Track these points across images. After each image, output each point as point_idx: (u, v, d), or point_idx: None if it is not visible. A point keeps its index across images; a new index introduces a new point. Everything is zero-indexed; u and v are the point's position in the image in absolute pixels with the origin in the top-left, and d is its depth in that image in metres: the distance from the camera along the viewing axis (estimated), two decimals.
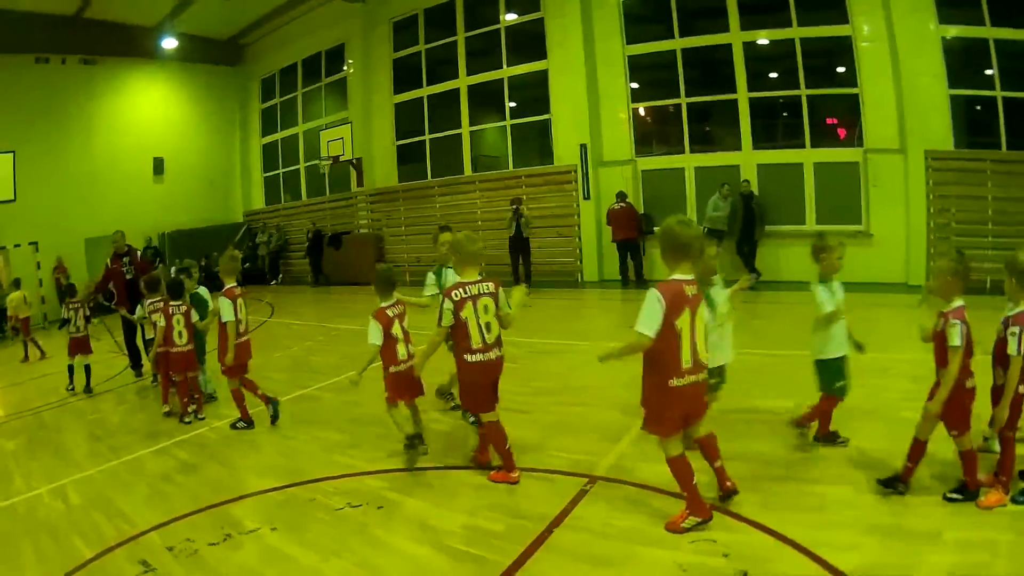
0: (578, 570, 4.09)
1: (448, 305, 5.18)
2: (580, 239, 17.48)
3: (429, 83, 21.01)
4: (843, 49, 14.44)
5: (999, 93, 13.19)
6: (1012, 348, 4.28)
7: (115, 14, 21.88)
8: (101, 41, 22.54)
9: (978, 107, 13.72)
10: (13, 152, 19.66)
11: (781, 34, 14.97)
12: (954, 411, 4.30)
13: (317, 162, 22.98)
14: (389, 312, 5.94)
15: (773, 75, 15.73)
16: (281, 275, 24.75)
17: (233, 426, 7.63)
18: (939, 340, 4.44)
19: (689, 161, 16.25)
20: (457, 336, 5.26)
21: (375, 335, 5.84)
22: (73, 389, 10.43)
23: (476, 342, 5.20)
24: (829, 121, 15.11)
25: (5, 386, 12.37)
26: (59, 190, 21.42)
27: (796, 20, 14.73)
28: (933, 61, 13.44)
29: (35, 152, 20.62)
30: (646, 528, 4.48)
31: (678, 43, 16.15)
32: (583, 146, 17.05)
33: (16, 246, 20.22)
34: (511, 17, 19.11)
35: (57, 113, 21.82)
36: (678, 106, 16.43)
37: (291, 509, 5.48)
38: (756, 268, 14.52)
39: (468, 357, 5.23)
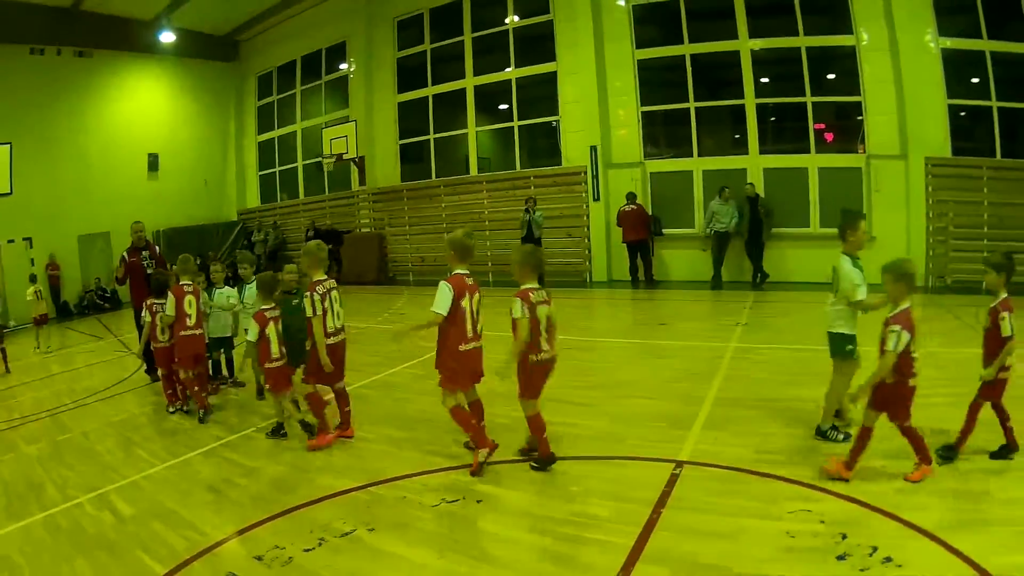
0: (699, 544, 4.49)
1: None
2: (589, 240, 18.34)
3: (434, 83, 21.82)
4: (847, 58, 15.53)
5: (995, 103, 14.48)
6: (890, 344, 5.11)
7: (112, 7, 22.17)
8: (97, 34, 22.78)
9: (974, 116, 14.88)
10: (10, 144, 19.89)
11: (788, 42, 16.02)
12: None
13: (320, 159, 23.63)
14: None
15: (779, 81, 16.79)
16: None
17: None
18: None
19: (697, 164, 17.27)
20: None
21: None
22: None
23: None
24: (817, 126, 16.14)
25: (11, 386, 12.01)
26: (52, 185, 21.57)
27: (802, 29, 15.80)
28: (932, 71, 14.69)
29: (28, 145, 20.80)
30: (745, 503, 5.02)
31: (687, 48, 17.16)
32: (593, 148, 17.98)
33: (10, 241, 20.38)
34: (519, 19, 20.03)
35: (51, 106, 22.03)
36: (686, 109, 17.39)
37: (382, 508, 5.53)
38: (764, 269, 15.58)
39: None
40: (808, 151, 16.05)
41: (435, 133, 22.17)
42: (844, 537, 4.37)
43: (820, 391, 6.30)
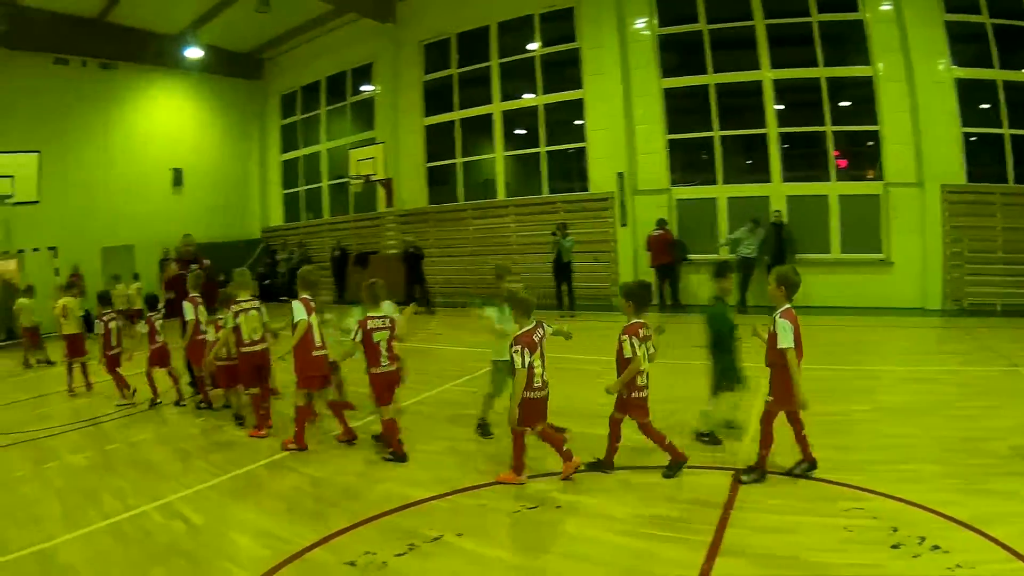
0: (768, 538, 5.21)
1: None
2: (617, 264, 19.57)
3: (460, 107, 23.28)
4: (864, 86, 16.84)
5: (1007, 131, 15.87)
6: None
7: (138, 20, 23.41)
8: (122, 46, 23.98)
9: (986, 143, 16.14)
10: (39, 152, 20.40)
11: (808, 73, 17.43)
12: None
13: (346, 180, 25.11)
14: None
15: (799, 109, 18.04)
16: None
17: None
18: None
19: (722, 191, 18.63)
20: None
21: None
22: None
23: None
24: (834, 153, 17.47)
25: (43, 395, 12.66)
26: (77, 195, 22.81)
27: (822, 60, 17.23)
28: (947, 100, 15.99)
29: (53, 155, 21.48)
30: (802, 504, 5.82)
31: (711, 79, 18.58)
32: (620, 174, 19.30)
33: (35, 250, 21.55)
34: (545, 46, 21.45)
35: (75, 117, 23.19)
36: (710, 137, 18.77)
37: (465, 515, 6.04)
38: None
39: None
40: (828, 178, 17.35)
41: (462, 157, 23.53)
42: (895, 530, 5.17)
43: (852, 406, 7.56)
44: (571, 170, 21.79)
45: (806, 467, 6.40)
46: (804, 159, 18.39)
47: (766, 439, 6.39)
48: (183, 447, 8.72)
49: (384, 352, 7.63)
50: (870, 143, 17.04)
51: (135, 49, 24.44)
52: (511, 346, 6.66)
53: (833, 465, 6.47)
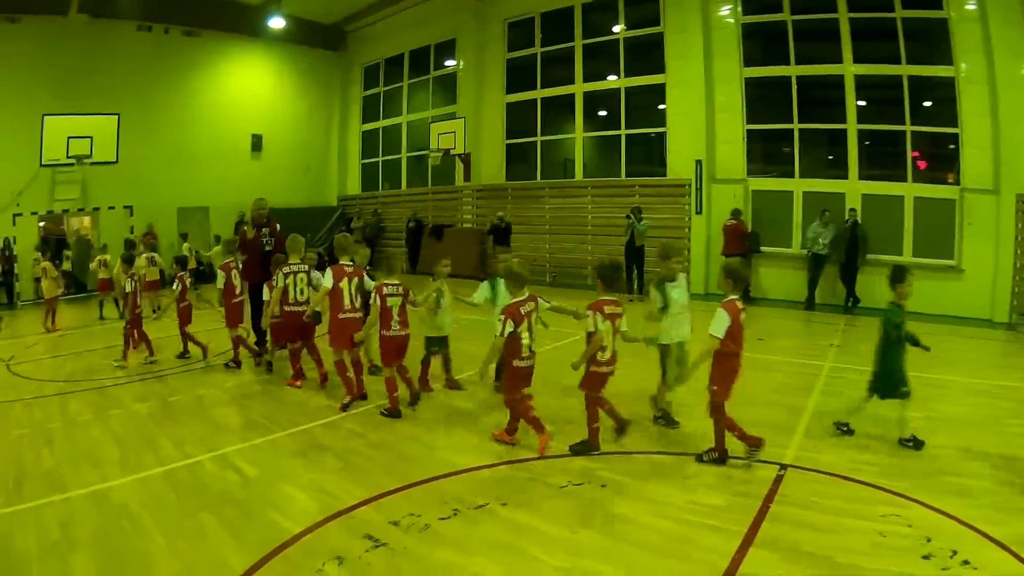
0: (803, 535, 5.37)
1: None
2: (689, 252, 19.99)
3: (543, 86, 23.93)
4: (946, 86, 16.76)
5: None
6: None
7: None
8: (205, 14, 25.13)
9: None
10: (118, 115, 22.04)
11: (890, 70, 17.55)
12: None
13: (426, 153, 26.09)
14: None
15: (879, 106, 18.14)
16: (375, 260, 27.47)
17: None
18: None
19: (798, 185, 18.97)
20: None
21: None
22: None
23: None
24: (913, 154, 17.53)
25: (112, 345, 13.13)
26: (155, 158, 23.93)
27: (904, 57, 17.31)
28: None
29: (134, 118, 22.87)
30: (842, 505, 5.95)
31: (793, 70, 18.86)
32: (698, 162, 19.78)
33: (111, 208, 23.06)
34: (629, 29, 21.92)
35: (157, 82, 24.32)
36: (790, 129, 19.09)
37: (512, 486, 6.38)
38: (856, 295, 17.11)
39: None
40: (904, 179, 17.42)
41: (542, 135, 24.21)
42: (929, 540, 5.26)
43: (907, 412, 7.45)
44: (651, 154, 22.22)
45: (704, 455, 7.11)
46: (882, 158, 18.39)
47: (719, 425, 6.97)
48: (244, 403, 9.39)
49: (396, 317, 8.52)
50: (951, 146, 16.99)
51: (218, 17, 25.54)
52: (499, 315, 7.46)
53: (880, 470, 6.69)
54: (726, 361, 6.83)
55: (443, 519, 5.63)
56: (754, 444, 6.87)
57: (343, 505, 5.88)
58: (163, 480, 6.53)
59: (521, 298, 7.48)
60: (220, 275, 11.59)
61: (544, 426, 7.35)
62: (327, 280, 9.00)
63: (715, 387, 6.90)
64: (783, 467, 6.82)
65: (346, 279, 9.06)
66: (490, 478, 6.60)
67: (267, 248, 11.69)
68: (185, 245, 22.21)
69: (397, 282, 8.59)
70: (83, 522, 5.70)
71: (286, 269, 10.24)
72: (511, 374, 7.41)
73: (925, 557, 5.05)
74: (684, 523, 5.65)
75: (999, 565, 4.96)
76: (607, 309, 7.15)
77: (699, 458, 7.05)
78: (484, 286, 9.41)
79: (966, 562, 4.95)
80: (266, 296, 10.81)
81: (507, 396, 7.57)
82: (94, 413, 8.94)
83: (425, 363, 9.78)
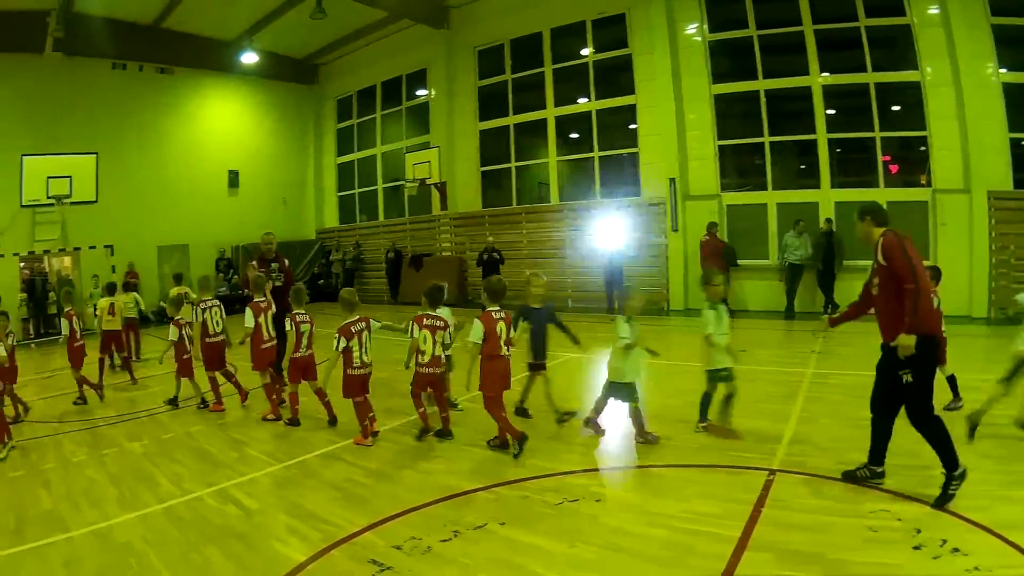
0: (796, 536, 5.48)
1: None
2: (667, 269, 20.31)
3: (515, 112, 24.27)
4: (912, 91, 17.22)
5: None
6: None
7: (193, 26, 24.82)
8: (178, 51, 25.43)
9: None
10: (96, 153, 21.96)
11: (856, 78, 17.97)
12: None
13: (402, 183, 26.24)
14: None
15: (847, 115, 18.56)
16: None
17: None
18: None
19: (771, 197, 19.31)
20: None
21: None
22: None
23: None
24: (884, 158, 17.92)
25: (107, 385, 12.98)
26: (134, 196, 24.22)
27: (870, 65, 17.75)
28: (994, 105, 16.27)
29: (110, 157, 23.02)
30: (831, 504, 6.09)
31: (761, 84, 19.27)
32: (672, 180, 20.01)
33: (91, 248, 23.11)
34: (598, 52, 22.24)
35: (133, 120, 24.62)
36: (761, 143, 19.44)
37: (508, 506, 6.47)
38: (835, 301, 17.31)
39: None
40: (877, 184, 17.77)
41: (516, 161, 24.49)
42: (918, 531, 5.40)
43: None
44: (624, 175, 22.44)
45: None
46: (853, 164, 18.80)
47: (501, 423, 8.10)
48: (238, 438, 9.40)
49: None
50: (921, 148, 17.39)
51: (191, 54, 25.86)
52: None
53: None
54: (487, 363, 8.03)
55: (444, 541, 5.72)
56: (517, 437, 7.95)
57: (345, 533, 5.96)
58: (164, 516, 6.58)
59: (352, 319, 8.77)
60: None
61: (370, 431, 8.76)
62: (248, 320, 10.20)
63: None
64: (771, 472, 6.96)
65: (262, 315, 10.39)
66: (486, 499, 6.69)
67: (277, 284, 11.59)
68: (174, 289, 21.46)
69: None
70: (88, 561, 5.72)
71: (202, 305, 11.04)
72: (348, 381, 8.73)
73: (916, 548, 5.17)
74: (679, 531, 5.75)
75: (987, 548, 5.12)
76: (425, 321, 8.62)
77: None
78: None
79: (956, 549, 5.09)
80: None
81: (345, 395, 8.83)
82: (88, 453, 8.99)
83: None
